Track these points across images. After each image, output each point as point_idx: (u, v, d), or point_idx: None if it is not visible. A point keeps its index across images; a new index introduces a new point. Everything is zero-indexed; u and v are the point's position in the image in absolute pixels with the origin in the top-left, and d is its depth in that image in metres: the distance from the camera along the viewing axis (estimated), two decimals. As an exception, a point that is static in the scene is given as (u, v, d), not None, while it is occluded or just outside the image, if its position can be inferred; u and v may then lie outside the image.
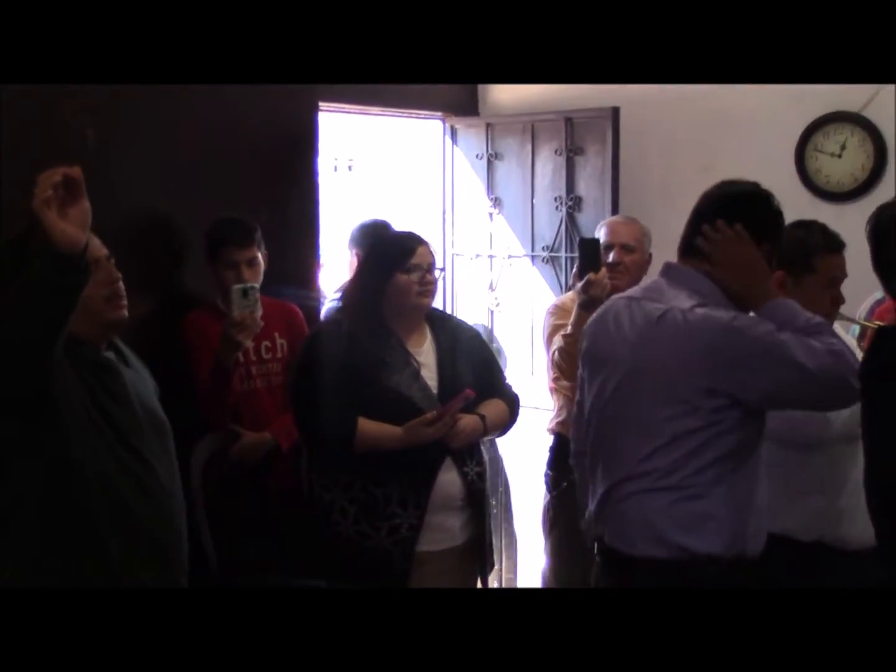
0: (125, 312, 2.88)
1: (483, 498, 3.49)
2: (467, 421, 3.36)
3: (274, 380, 3.82)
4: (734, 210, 2.83)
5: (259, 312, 3.57)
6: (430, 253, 3.46)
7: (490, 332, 5.42)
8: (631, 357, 2.84)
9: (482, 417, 3.42)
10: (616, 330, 2.89)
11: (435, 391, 3.39)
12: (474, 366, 3.49)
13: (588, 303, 3.69)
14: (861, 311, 3.97)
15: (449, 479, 3.37)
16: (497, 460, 4.92)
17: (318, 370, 3.34)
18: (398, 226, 4.50)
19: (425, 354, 3.45)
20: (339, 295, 3.61)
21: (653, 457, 2.79)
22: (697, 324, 2.75)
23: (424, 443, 3.28)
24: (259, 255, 3.84)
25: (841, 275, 3.24)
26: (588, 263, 3.86)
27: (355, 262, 4.48)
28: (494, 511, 4.58)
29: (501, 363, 4.64)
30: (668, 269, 2.94)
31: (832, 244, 3.22)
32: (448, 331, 3.54)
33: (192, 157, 4.01)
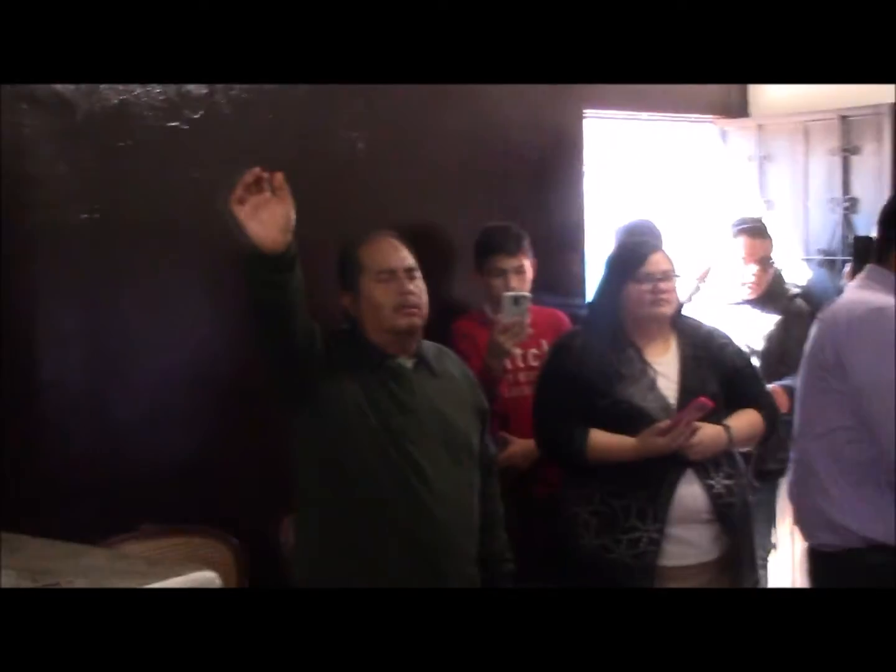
0: (414, 321, 2.98)
1: (732, 511, 3.32)
2: (707, 431, 3.25)
3: (541, 387, 3.82)
4: None
5: (528, 320, 3.60)
6: (666, 260, 3.39)
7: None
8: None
9: (727, 428, 3.32)
10: None
11: (674, 401, 3.31)
12: (723, 375, 3.40)
13: None
14: None
15: (691, 492, 3.27)
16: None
17: (554, 383, 3.39)
18: (665, 229, 4.44)
19: (666, 364, 3.38)
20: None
21: (809, 441, 2.91)
22: (843, 306, 2.90)
23: (660, 454, 3.21)
24: (526, 263, 3.88)
25: None
26: (862, 262, 3.73)
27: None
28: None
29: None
30: (870, 272, 2.97)
31: None
32: (696, 339, 3.45)
33: (458, 164, 4.08)
